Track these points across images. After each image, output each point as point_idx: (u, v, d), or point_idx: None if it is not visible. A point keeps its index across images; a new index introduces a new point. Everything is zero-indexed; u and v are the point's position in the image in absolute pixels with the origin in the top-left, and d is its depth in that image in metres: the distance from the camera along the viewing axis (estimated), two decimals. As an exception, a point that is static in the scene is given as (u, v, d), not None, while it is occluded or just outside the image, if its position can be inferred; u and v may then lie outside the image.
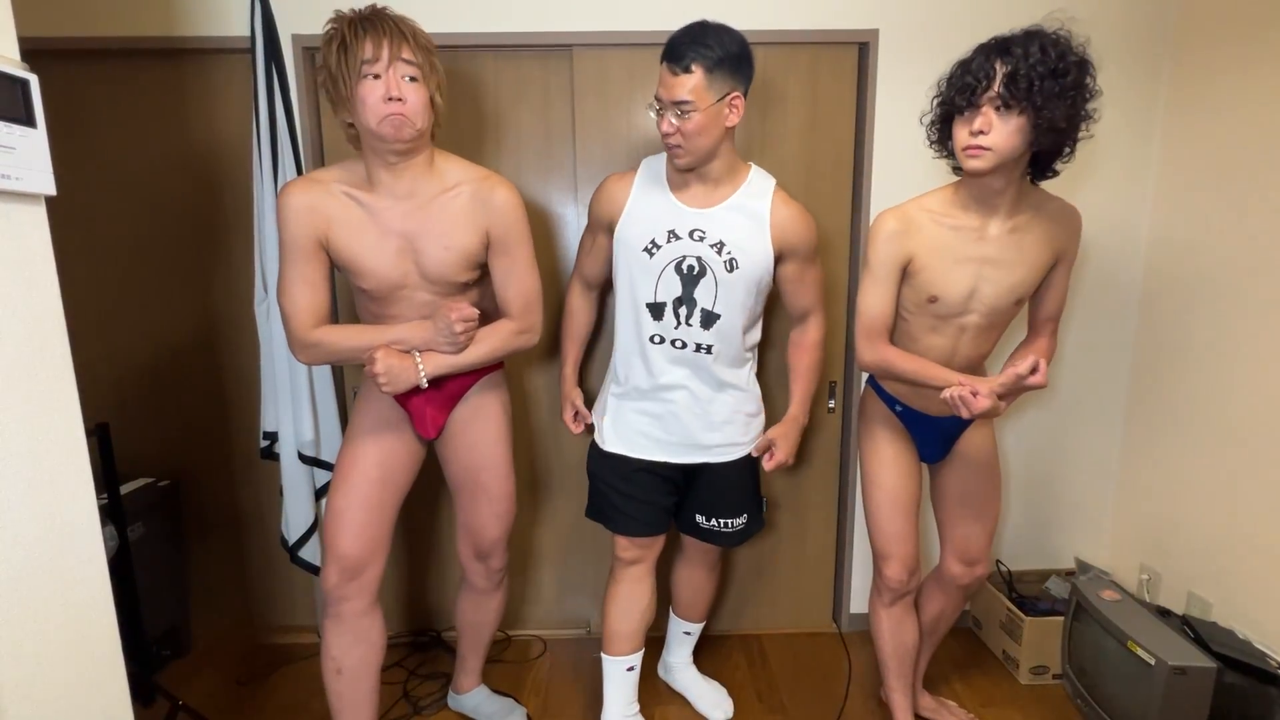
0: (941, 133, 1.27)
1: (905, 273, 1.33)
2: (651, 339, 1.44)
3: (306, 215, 1.26)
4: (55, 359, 0.87)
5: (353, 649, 1.39)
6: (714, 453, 1.50)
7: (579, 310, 1.65)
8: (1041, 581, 2.06)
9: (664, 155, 1.41)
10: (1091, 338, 1.97)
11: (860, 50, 1.80)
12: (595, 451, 1.56)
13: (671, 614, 1.83)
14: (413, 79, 1.20)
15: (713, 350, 1.43)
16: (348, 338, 1.31)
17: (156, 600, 1.87)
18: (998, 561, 2.05)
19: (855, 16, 1.76)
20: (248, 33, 1.61)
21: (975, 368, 1.44)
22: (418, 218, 1.29)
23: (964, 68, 1.18)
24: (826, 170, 1.88)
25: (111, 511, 1.61)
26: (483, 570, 1.58)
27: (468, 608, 1.65)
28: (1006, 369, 1.23)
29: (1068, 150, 1.22)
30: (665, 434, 1.48)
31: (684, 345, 1.43)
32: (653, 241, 1.39)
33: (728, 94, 1.28)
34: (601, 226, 1.48)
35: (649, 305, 1.42)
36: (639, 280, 1.41)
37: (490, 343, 1.37)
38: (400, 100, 1.18)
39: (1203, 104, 1.72)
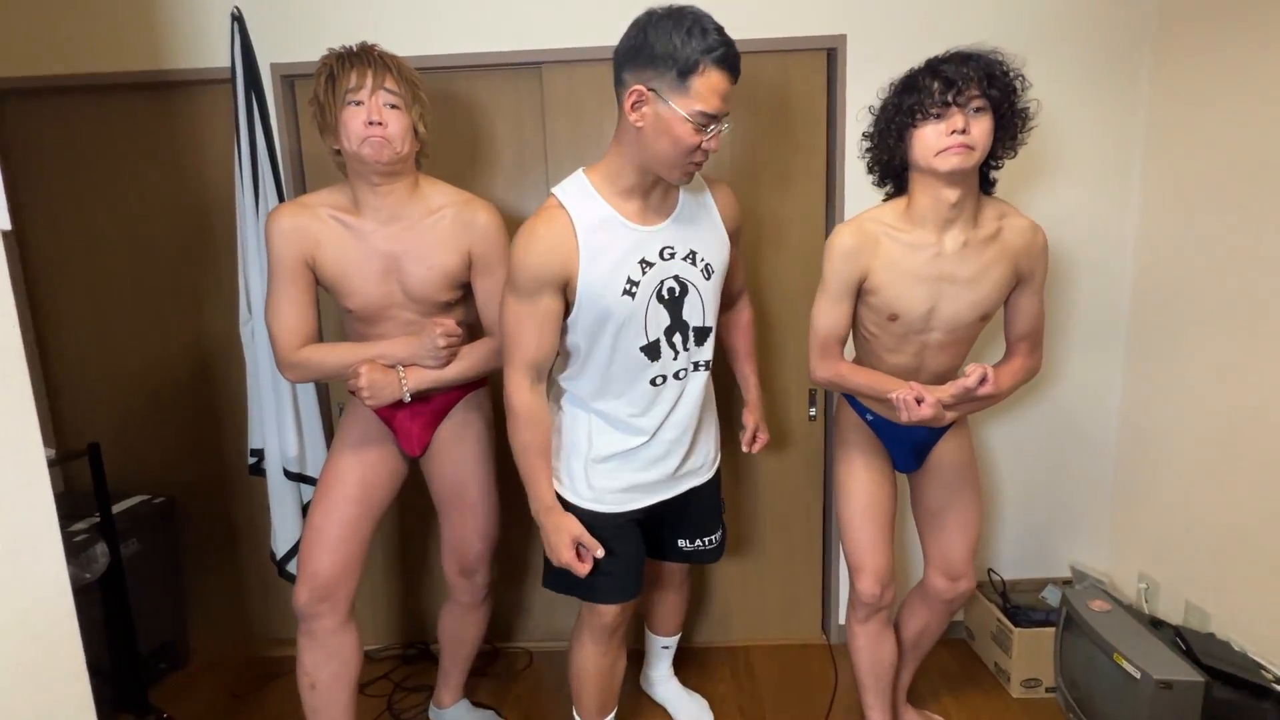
0: (884, 150, 1.28)
1: (862, 290, 1.33)
2: (653, 382, 1.28)
3: (294, 237, 1.32)
4: (14, 387, 0.90)
5: (325, 665, 1.42)
6: (699, 475, 1.44)
7: (537, 411, 1.26)
8: (1039, 590, 2.01)
9: (576, 179, 1.22)
10: (1084, 342, 1.92)
11: (829, 56, 1.79)
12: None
13: (647, 631, 1.80)
14: (394, 106, 1.27)
15: (709, 364, 1.35)
16: (333, 354, 1.35)
17: (153, 615, 1.92)
18: (990, 570, 2.00)
19: (823, 22, 1.75)
20: (229, 64, 1.67)
21: (943, 382, 1.42)
22: (402, 240, 1.33)
23: (931, 76, 1.18)
24: (799, 177, 1.86)
25: (103, 529, 1.66)
26: (468, 586, 1.59)
27: (450, 623, 1.66)
28: (957, 380, 1.23)
29: (1002, 159, 1.28)
30: (659, 474, 1.35)
31: (685, 374, 1.31)
32: (629, 280, 1.20)
33: None
34: (546, 290, 1.18)
35: (643, 349, 1.25)
36: (624, 329, 1.23)
37: (472, 359, 1.40)
38: (380, 124, 1.25)
39: (1185, 103, 1.67)
